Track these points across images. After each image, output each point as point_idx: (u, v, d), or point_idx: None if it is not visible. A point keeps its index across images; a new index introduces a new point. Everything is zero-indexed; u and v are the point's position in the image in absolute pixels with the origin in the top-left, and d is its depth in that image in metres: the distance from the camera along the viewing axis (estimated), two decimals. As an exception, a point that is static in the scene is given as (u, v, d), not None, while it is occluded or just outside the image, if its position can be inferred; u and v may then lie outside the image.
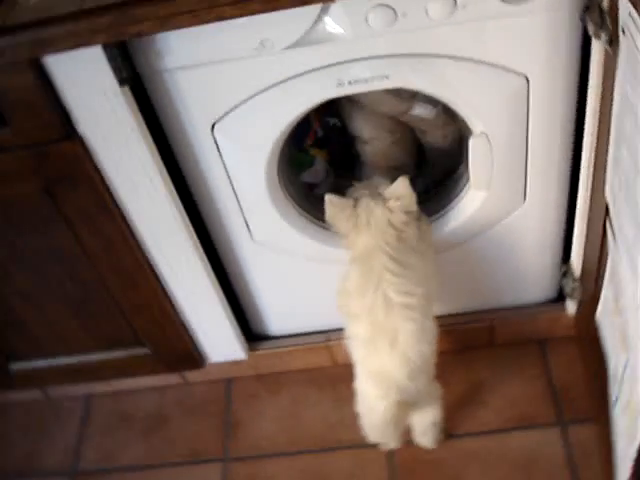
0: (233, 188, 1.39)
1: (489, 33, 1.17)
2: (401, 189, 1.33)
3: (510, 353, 1.71)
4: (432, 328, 1.35)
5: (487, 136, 1.30)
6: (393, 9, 1.11)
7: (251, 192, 1.40)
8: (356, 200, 1.35)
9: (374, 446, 1.49)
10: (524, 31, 1.17)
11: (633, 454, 1.15)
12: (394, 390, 1.30)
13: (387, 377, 1.31)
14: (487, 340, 1.71)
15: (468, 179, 1.41)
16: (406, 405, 1.35)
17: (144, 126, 1.26)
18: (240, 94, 1.24)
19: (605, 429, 1.34)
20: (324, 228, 1.46)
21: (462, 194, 1.46)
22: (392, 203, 1.32)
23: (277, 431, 1.70)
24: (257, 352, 1.74)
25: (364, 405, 1.40)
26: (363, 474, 1.58)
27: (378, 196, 1.34)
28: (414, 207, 1.34)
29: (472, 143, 1.32)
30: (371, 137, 1.55)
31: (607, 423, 1.31)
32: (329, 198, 1.33)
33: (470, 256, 1.54)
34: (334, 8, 1.12)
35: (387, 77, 1.22)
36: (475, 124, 1.30)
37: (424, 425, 1.51)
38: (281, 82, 1.22)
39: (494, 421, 1.61)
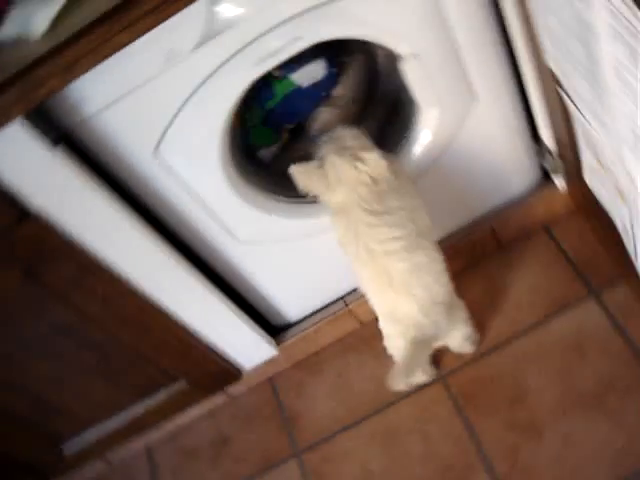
0: (201, 199, 1.38)
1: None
2: (368, 155, 1.33)
3: (520, 247, 1.71)
4: (430, 259, 1.35)
5: (416, 55, 1.29)
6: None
7: (216, 194, 1.39)
8: (322, 159, 1.35)
9: (430, 384, 1.50)
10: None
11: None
12: (411, 327, 1.32)
13: (400, 316, 1.33)
14: (493, 244, 1.71)
15: (416, 102, 1.40)
16: (430, 338, 1.37)
17: (93, 176, 1.25)
18: (169, 109, 1.23)
19: (637, 282, 1.34)
20: (299, 202, 1.46)
21: (416, 117, 1.45)
22: (360, 166, 1.32)
23: (334, 407, 1.70)
24: (286, 343, 1.74)
25: (389, 345, 1.45)
26: (430, 414, 1.59)
27: (344, 150, 1.34)
28: (383, 167, 1.33)
29: (405, 67, 1.31)
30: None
31: (637, 276, 1.32)
32: (295, 169, 1.33)
33: (447, 173, 1.54)
34: (220, -6, 1.11)
35: (301, 38, 1.21)
36: (401, 48, 1.29)
37: (457, 342, 1.53)
38: (203, 82, 1.20)
39: (530, 316, 1.61)
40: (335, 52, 1.51)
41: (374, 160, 1.31)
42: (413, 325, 1.32)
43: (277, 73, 1.46)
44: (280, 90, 1.50)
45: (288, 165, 1.36)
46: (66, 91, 1.13)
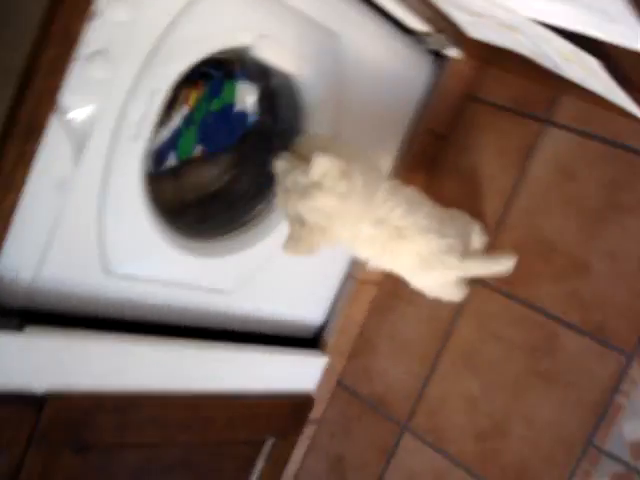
0: (170, 281, 1.37)
1: None
2: (320, 167, 1.26)
3: (462, 128, 1.72)
4: (426, 214, 1.37)
5: (262, 35, 1.29)
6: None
7: (182, 267, 1.37)
8: (292, 218, 1.31)
9: (469, 294, 1.52)
10: None
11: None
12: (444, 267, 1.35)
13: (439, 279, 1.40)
14: (439, 140, 1.72)
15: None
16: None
17: (71, 329, 1.22)
18: (91, 228, 1.21)
19: (574, 87, 1.35)
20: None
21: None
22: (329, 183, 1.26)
23: (406, 367, 1.71)
24: (329, 344, 1.73)
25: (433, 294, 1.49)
26: (487, 317, 1.60)
27: (296, 192, 1.28)
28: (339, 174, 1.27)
29: (261, 52, 1.31)
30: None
31: (570, 83, 1.32)
32: (288, 249, 1.32)
33: (355, 108, 1.53)
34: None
35: (158, 90, 1.20)
36: (244, 39, 1.28)
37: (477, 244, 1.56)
38: (104, 183, 1.19)
39: (509, 178, 1.62)
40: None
41: (317, 169, 1.25)
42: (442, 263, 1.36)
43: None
44: (227, 95, 1.49)
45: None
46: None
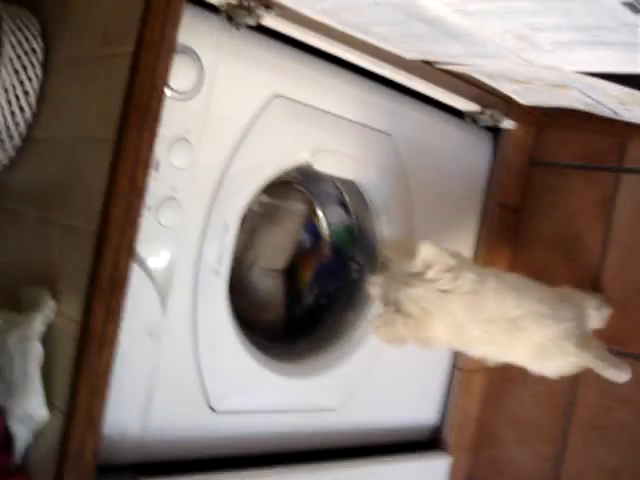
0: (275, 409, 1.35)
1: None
2: (427, 255, 1.21)
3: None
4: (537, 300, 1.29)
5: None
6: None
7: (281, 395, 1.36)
8: (390, 303, 1.24)
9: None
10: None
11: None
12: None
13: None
14: (513, 214, 1.69)
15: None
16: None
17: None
18: (189, 374, 1.22)
19: None
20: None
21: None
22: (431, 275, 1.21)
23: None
24: (460, 442, 1.67)
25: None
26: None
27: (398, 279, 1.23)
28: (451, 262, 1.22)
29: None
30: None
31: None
32: (378, 333, 1.23)
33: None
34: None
35: (227, 225, 1.22)
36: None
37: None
38: (192, 330, 1.21)
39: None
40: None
41: (421, 256, 1.20)
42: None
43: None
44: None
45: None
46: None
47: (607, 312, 1.45)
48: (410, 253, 1.22)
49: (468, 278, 1.21)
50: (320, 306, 1.58)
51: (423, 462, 1.60)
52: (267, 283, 1.58)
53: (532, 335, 1.25)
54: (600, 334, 1.40)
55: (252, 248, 1.54)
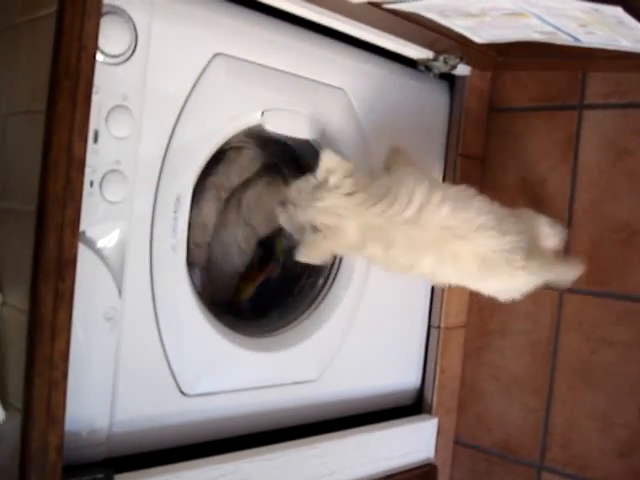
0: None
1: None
2: (329, 162, 1.22)
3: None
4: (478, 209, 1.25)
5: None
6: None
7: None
8: (303, 229, 1.24)
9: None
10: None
11: None
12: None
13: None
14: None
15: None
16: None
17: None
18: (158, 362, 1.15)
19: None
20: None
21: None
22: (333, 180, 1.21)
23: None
24: (434, 404, 1.63)
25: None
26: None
27: (301, 202, 1.23)
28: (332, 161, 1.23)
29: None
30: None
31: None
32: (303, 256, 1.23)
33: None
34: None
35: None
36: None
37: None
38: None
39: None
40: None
41: (324, 165, 1.21)
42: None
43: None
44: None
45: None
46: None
47: (561, 230, 1.39)
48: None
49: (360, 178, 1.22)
50: (285, 276, 1.52)
51: (409, 427, 1.55)
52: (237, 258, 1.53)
53: (474, 245, 1.21)
54: (579, 277, 1.35)
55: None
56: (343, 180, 1.20)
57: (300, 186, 1.23)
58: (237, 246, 1.52)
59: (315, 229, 1.20)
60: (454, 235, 1.20)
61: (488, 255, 1.21)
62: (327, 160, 1.21)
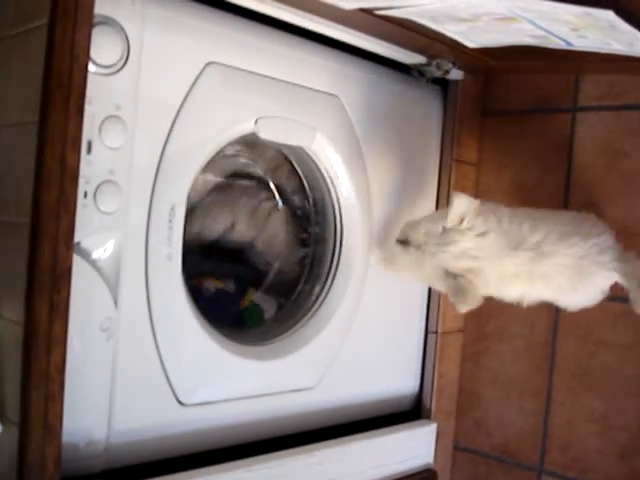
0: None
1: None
2: (460, 206, 1.19)
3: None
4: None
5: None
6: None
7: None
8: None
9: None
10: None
11: None
12: None
13: None
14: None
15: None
16: None
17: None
18: (153, 366, 1.14)
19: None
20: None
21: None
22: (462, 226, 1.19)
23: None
24: (432, 409, 1.62)
25: None
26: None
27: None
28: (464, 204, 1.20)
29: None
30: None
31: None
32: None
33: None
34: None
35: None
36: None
37: None
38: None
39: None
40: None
41: (457, 209, 1.19)
42: None
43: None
44: None
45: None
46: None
47: None
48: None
49: (491, 213, 1.20)
50: (282, 283, 1.51)
51: (408, 432, 1.54)
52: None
53: (561, 259, 1.20)
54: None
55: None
56: (474, 221, 1.18)
57: (428, 228, 1.21)
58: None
59: (454, 275, 1.18)
60: (541, 253, 1.19)
61: (577, 263, 1.20)
62: (460, 204, 1.18)
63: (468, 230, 1.18)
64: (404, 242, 1.25)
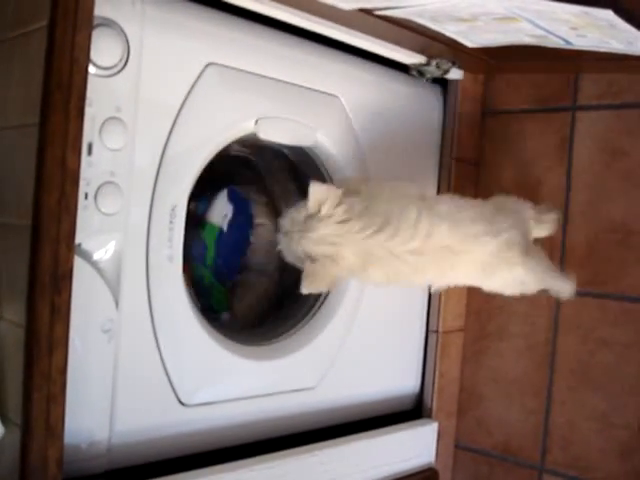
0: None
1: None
2: (315, 195, 1.21)
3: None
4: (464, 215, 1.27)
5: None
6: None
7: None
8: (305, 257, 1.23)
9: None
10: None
11: None
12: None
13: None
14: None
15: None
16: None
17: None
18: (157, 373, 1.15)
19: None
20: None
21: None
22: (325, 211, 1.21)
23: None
24: (433, 407, 1.63)
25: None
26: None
27: (296, 233, 1.23)
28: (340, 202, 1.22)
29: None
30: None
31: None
32: (306, 288, 1.21)
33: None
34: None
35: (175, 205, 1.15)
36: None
37: None
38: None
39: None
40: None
41: (313, 198, 1.21)
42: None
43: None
44: (209, 238, 1.44)
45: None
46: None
47: (552, 217, 1.41)
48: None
49: (358, 203, 1.21)
50: (282, 284, 1.51)
51: (409, 432, 1.54)
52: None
53: (471, 255, 1.23)
54: (576, 278, 1.35)
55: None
56: (334, 209, 1.20)
57: (292, 216, 1.23)
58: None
59: (313, 259, 1.21)
60: (452, 252, 1.22)
61: (487, 260, 1.24)
62: (316, 192, 1.21)
63: (328, 217, 1.20)
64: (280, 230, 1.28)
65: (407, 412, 1.62)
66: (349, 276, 1.30)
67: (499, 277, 1.28)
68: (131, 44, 1.05)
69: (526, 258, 1.26)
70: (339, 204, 1.21)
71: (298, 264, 1.25)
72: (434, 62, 1.47)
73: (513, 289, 1.31)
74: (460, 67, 1.54)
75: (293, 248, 1.24)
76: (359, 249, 1.20)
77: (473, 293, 1.60)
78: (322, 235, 1.20)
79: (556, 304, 1.50)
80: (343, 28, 1.32)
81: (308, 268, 1.21)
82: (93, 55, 0.97)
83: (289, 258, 1.27)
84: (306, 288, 1.20)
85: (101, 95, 1.01)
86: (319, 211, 1.21)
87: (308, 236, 1.21)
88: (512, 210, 1.33)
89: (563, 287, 1.34)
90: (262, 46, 1.25)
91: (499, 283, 1.30)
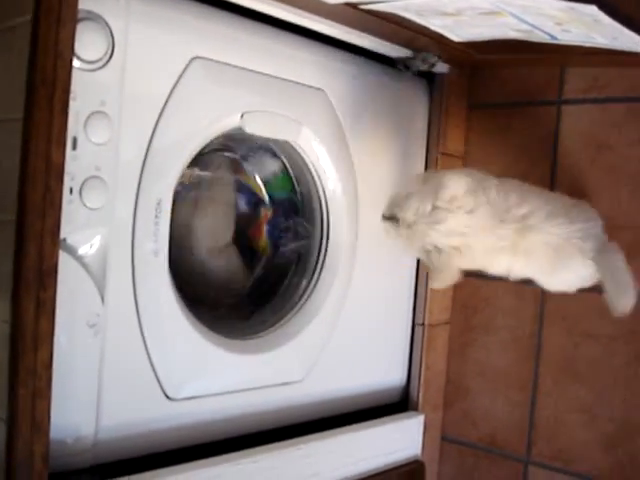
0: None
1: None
2: (453, 188, 1.21)
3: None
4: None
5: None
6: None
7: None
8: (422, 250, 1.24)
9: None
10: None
11: None
12: None
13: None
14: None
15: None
16: None
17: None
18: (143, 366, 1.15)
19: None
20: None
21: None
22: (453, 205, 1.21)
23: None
24: (419, 404, 1.63)
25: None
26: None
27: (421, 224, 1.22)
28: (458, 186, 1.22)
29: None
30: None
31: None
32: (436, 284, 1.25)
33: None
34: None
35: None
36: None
37: None
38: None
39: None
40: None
41: (449, 190, 1.21)
42: None
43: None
44: None
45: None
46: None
47: None
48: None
49: (481, 190, 1.21)
50: (269, 277, 1.51)
51: (395, 424, 1.55)
52: (219, 261, 1.52)
53: (544, 236, 1.22)
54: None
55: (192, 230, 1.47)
56: (464, 200, 1.20)
57: (416, 207, 1.21)
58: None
59: (440, 251, 1.20)
60: (525, 227, 1.21)
61: (559, 243, 1.22)
62: (453, 187, 1.20)
63: (458, 208, 1.20)
64: (392, 219, 1.26)
65: (393, 405, 1.63)
66: (471, 267, 1.27)
67: (568, 270, 1.26)
68: (116, 38, 1.05)
69: (600, 254, 1.25)
70: (468, 195, 1.21)
71: (421, 256, 1.24)
72: (420, 56, 1.47)
73: (578, 286, 1.30)
74: (446, 61, 1.54)
75: (416, 239, 1.23)
76: (486, 239, 1.20)
77: (459, 286, 1.60)
78: (454, 226, 1.19)
79: (541, 297, 1.50)
80: (329, 21, 1.31)
81: (436, 261, 1.21)
82: (77, 49, 0.97)
83: (410, 250, 1.27)
84: (437, 282, 1.22)
85: (86, 89, 1.00)
86: (451, 203, 1.20)
87: (437, 228, 1.20)
88: (589, 209, 1.33)
89: (619, 301, 1.27)
90: (248, 40, 1.25)
91: (566, 278, 1.29)
